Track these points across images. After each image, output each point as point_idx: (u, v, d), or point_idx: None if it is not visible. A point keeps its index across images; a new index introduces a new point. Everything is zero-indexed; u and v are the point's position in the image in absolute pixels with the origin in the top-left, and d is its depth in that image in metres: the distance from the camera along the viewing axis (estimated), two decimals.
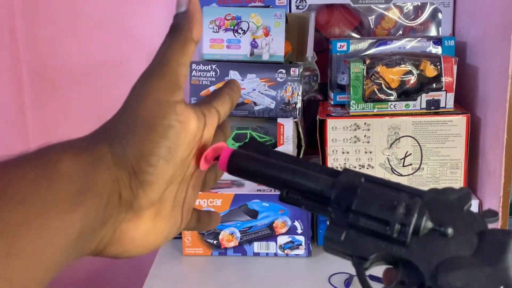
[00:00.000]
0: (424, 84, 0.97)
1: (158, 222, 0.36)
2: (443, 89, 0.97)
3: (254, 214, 0.97)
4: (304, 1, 1.13)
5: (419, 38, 1.06)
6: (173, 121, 0.34)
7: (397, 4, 1.14)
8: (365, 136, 0.98)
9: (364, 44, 1.07)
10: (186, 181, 0.38)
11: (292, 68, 1.02)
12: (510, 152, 0.89)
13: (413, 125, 0.97)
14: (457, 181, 0.98)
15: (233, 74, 1.03)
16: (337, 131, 0.98)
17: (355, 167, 0.99)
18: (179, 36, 0.37)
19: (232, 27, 1.03)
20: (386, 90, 0.97)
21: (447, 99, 0.97)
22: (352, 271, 0.98)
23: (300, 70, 1.02)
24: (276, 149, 1.02)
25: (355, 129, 0.97)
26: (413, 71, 0.97)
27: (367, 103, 0.98)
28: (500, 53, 0.89)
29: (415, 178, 0.98)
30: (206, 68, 1.03)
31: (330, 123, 0.98)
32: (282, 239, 0.97)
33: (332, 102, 1.09)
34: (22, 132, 1.27)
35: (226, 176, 1.04)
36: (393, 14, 1.16)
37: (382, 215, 0.33)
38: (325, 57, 1.13)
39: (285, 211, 0.96)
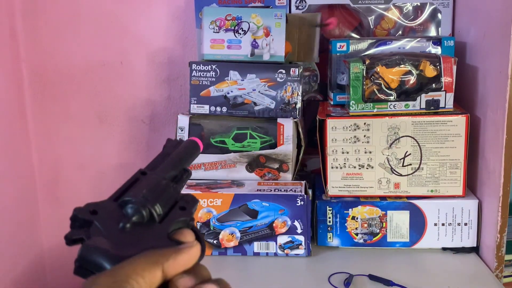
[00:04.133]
0: (424, 84, 0.97)
1: None
2: (443, 89, 0.97)
3: (254, 214, 0.97)
4: (304, 1, 1.13)
5: (418, 38, 1.06)
6: None
7: (396, 4, 1.15)
8: (364, 136, 0.98)
9: (363, 44, 1.08)
10: None
11: (292, 68, 1.02)
12: (510, 152, 0.89)
13: (413, 125, 0.97)
14: (457, 181, 0.98)
15: (233, 74, 1.03)
16: (337, 131, 0.98)
17: (355, 167, 0.99)
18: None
19: (233, 28, 1.03)
20: (386, 90, 0.97)
21: (447, 99, 0.98)
22: (352, 270, 0.98)
23: (300, 70, 1.03)
24: (276, 149, 1.02)
25: (355, 129, 0.98)
26: (413, 71, 0.97)
27: (367, 103, 0.98)
28: (500, 53, 0.89)
29: (415, 178, 0.99)
30: (206, 68, 1.04)
31: (330, 123, 0.98)
32: (282, 239, 0.98)
33: (332, 102, 1.10)
34: (23, 132, 1.27)
35: (226, 176, 1.04)
36: (393, 15, 1.16)
37: None
38: (325, 57, 1.14)
39: (285, 211, 0.96)
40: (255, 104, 1.04)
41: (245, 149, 1.04)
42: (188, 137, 1.05)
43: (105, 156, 1.32)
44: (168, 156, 0.51)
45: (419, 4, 1.14)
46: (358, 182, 1.00)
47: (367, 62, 0.97)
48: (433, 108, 0.98)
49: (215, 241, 0.98)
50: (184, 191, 0.98)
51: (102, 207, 0.43)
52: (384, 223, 0.99)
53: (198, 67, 1.04)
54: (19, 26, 1.24)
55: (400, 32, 1.16)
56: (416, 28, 1.16)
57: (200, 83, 1.04)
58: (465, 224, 0.98)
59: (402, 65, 0.97)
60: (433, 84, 0.97)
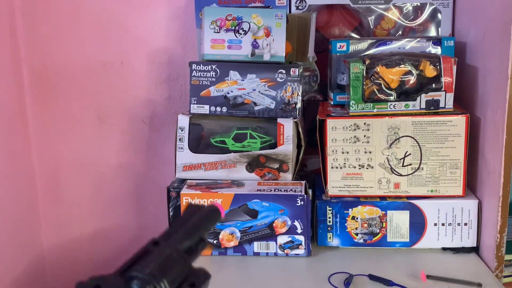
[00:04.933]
0: (424, 84, 0.97)
1: None
2: (443, 89, 0.97)
3: (254, 214, 0.97)
4: (304, 2, 1.13)
5: (418, 39, 1.06)
6: None
7: (396, 4, 1.15)
8: (364, 136, 0.98)
9: (363, 45, 1.08)
10: None
11: (292, 68, 1.02)
12: (510, 152, 0.89)
13: (413, 125, 0.97)
14: (457, 181, 0.98)
15: (233, 74, 1.03)
16: (337, 131, 0.98)
17: (354, 167, 0.99)
18: None
19: (233, 28, 1.03)
20: (386, 90, 0.97)
21: (447, 99, 0.98)
22: (352, 270, 0.98)
23: (300, 71, 1.03)
24: (276, 149, 1.02)
25: (355, 129, 0.98)
26: (413, 71, 0.97)
27: (367, 103, 0.98)
28: (500, 53, 0.89)
29: (415, 178, 0.99)
30: (206, 68, 1.04)
31: (330, 123, 0.98)
32: (282, 239, 0.98)
33: (332, 102, 1.10)
34: (23, 132, 1.27)
35: (227, 176, 1.04)
36: (393, 15, 1.16)
37: None
38: (325, 57, 1.14)
39: (285, 211, 0.96)
40: (255, 104, 1.04)
41: (245, 149, 1.04)
42: (188, 137, 1.05)
43: (105, 156, 1.32)
44: (186, 223, 0.49)
45: (419, 4, 1.14)
46: (358, 182, 1.00)
47: (367, 62, 0.97)
48: (433, 108, 0.98)
49: (215, 241, 0.98)
50: (185, 191, 0.98)
51: (106, 282, 0.42)
52: (384, 223, 0.99)
53: (198, 67, 1.04)
54: (19, 26, 1.24)
55: (400, 32, 1.16)
56: (416, 28, 1.16)
57: (200, 83, 1.04)
58: (465, 224, 0.98)
59: (402, 65, 0.97)
60: (433, 84, 0.97)
